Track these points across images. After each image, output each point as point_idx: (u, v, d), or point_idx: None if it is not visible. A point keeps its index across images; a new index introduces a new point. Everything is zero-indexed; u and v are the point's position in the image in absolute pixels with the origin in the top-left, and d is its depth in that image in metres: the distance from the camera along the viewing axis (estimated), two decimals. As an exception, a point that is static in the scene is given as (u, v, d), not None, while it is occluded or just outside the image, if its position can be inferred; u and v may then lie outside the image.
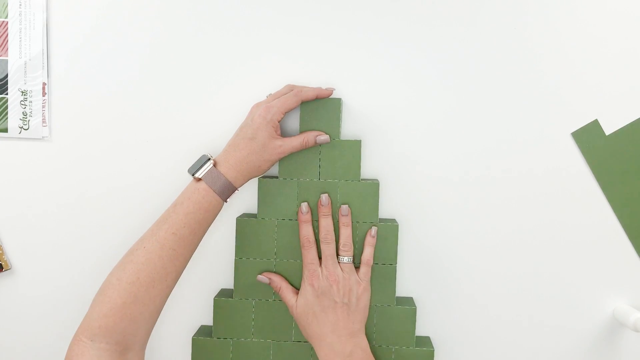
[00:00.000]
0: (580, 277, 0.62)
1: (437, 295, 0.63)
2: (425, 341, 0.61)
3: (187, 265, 0.54)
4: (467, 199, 0.62)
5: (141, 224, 0.63)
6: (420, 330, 0.63)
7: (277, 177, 0.60)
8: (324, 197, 0.58)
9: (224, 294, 0.61)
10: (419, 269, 0.63)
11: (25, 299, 0.65)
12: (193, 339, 0.60)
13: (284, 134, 0.61)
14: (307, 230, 0.57)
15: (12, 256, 0.64)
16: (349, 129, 0.62)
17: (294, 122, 0.61)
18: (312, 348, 0.59)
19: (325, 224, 0.57)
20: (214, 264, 0.63)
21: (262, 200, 0.59)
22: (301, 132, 0.59)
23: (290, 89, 0.58)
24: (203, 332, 0.61)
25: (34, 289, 0.65)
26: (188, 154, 0.63)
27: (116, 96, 0.63)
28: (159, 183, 0.63)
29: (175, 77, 0.62)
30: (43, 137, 0.63)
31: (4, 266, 0.64)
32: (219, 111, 0.62)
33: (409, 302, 0.61)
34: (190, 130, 0.63)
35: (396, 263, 0.59)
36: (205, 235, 0.55)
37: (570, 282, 0.62)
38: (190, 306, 0.64)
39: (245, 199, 0.63)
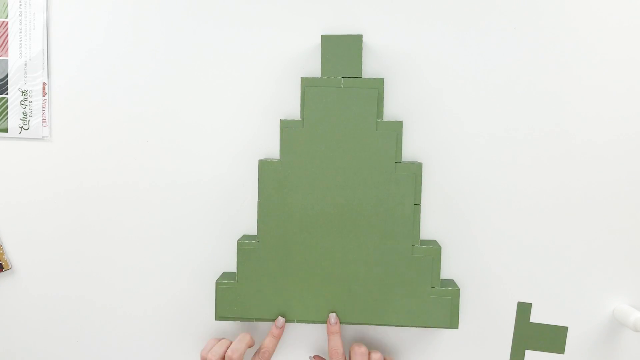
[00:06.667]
0: (580, 276, 0.62)
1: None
2: (450, 284, 0.60)
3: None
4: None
5: (141, 223, 0.63)
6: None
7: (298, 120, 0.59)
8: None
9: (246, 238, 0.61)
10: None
11: (25, 299, 0.65)
12: (217, 283, 0.60)
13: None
14: (335, 343, 0.58)
15: (12, 256, 0.64)
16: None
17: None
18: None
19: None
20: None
21: (284, 143, 0.58)
22: (323, 72, 0.58)
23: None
24: (226, 277, 0.61)
25: (34, 289, 0.65)
26: (188, 154, 0.63)
27: (116, 96, 0.63)
28: (158, 183, 0.63)
29: (176, 76, 0.62)
30: (43, 137, 0.63)
31: (4, 266, 0.64)
32: (219, 111, 0.62)
33: (433, 244, 0.59)
34: (190, 130, 0.63)
35: (420, 202, 0.58)
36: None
37: (570, 281, 0.62)
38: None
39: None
